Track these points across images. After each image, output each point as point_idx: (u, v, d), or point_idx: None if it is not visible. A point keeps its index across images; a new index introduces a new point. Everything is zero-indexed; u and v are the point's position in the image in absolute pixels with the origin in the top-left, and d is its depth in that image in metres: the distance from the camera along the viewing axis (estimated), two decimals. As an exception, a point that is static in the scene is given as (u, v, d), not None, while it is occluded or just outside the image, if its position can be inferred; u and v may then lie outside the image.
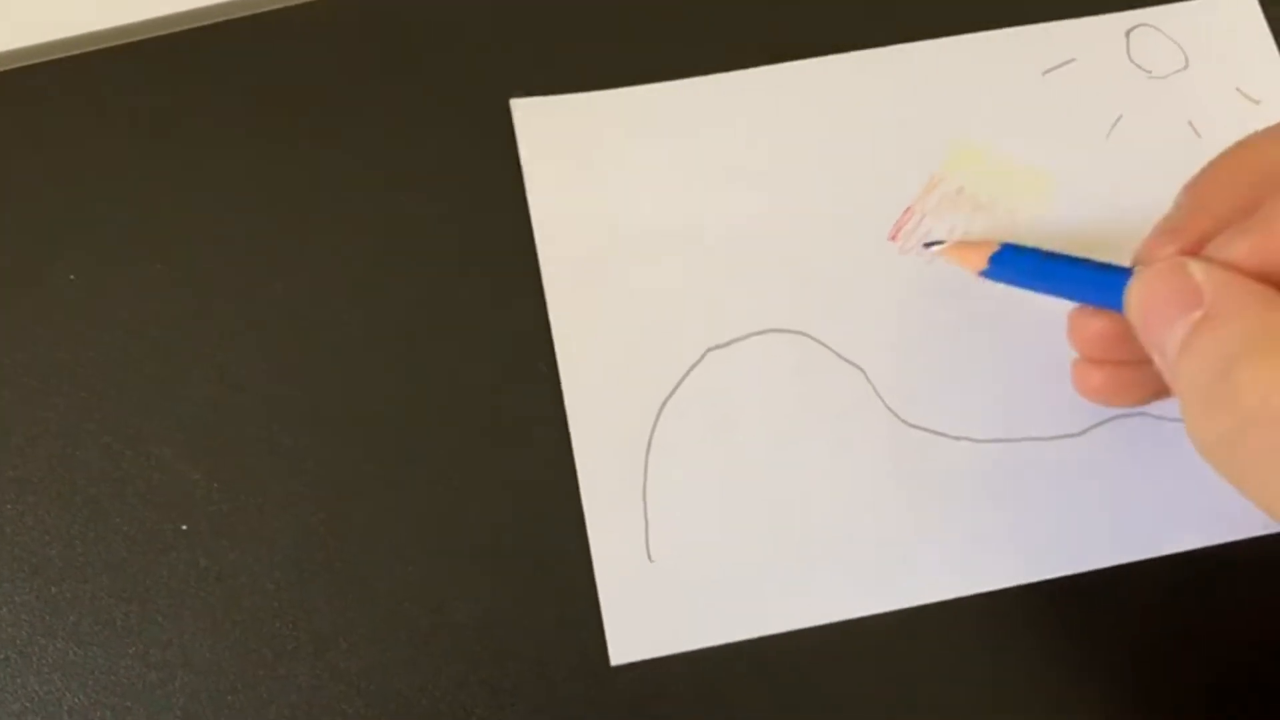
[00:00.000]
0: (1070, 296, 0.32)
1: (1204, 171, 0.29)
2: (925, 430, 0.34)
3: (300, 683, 0.31)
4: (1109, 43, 0.38)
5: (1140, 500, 0.33)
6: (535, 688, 0.32)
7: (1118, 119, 0.37)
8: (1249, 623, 0.33)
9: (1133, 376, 0.31)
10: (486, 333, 0.35)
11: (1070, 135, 0.37)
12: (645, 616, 0.32)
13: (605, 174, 0.36)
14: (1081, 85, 0.37)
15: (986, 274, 0.34)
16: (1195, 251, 0.27)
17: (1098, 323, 0.31)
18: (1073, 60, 0.38)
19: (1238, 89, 0.37)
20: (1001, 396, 0.34)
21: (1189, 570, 0.33)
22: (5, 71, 0.37)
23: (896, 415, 0.34)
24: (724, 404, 0.34)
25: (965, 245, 0.34)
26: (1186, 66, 0.38)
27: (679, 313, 0.35)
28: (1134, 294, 0.28)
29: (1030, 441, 0.34)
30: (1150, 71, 0.38)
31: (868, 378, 0.34)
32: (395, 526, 0.33)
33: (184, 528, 0.33)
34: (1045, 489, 0.34)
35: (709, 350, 0.35)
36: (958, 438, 0.34)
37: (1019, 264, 0.33)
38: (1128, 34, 0.38)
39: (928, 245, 0.35)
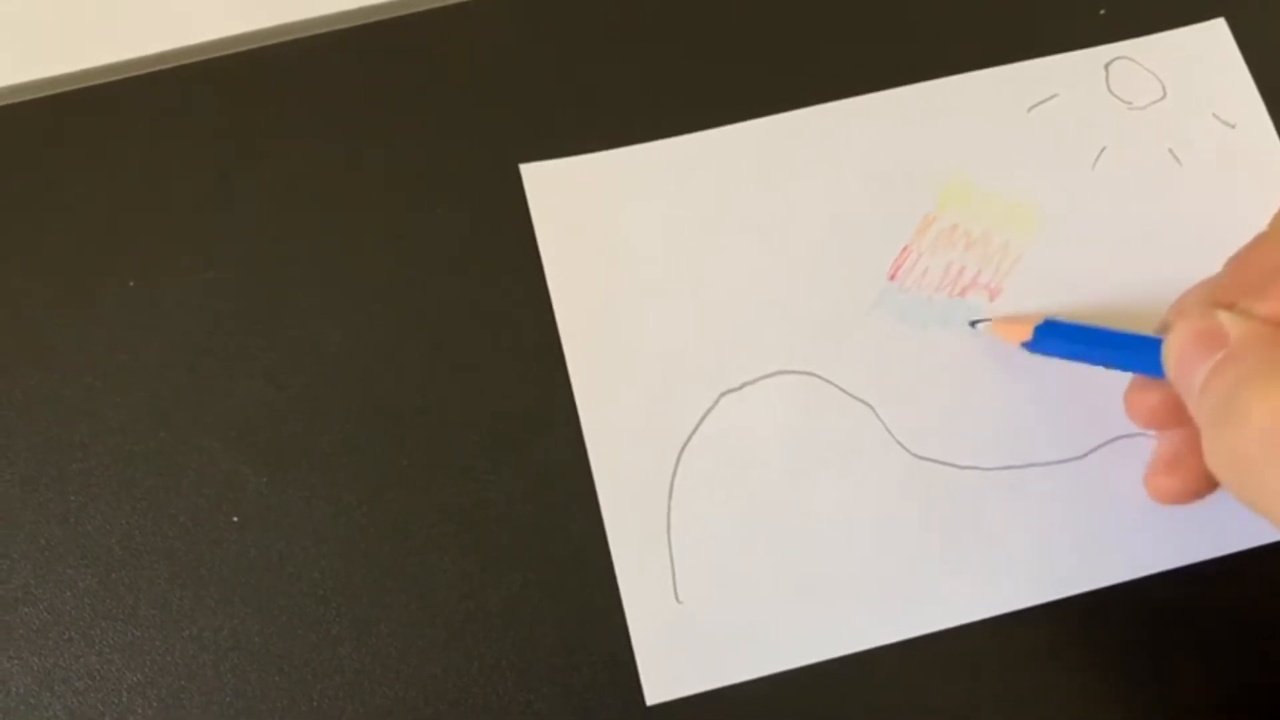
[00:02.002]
0: (1109, 365, 0.32)
1: (1249, 244, 0.30)
2: (935, 461, 0.34)
3: (343, 665, 0.33)
4: (1089, 77, 0.38)
5: (1146, 516, 0.34)
6: (561, 674, 0.33)
7: (1101, 150, 0.38)
8: (1261, 633, 0.33)
9: (1206, 475, 0.29)
10: (511, 391, 0.35)
11: (1057, 168, 0.37)
12: (677, 656, 0.33)
13: (614, 231, 0.37)
14: (1065, 119, 0.38)
15: (1029, 346, 0.34)
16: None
17: (1154, 395, 0.32)
18: (1055, 95, 0.38)
19: (1214, 115, 0.38)
20: (1005, 425, 0.35)
21: (1199, 582, 0.33)
22: (69, 91, 0.39)
23: (906, 448, 0.35)
24: (740, 446, 0.35)
25: (1009, 321, 0.35)
26: (1164, 96, 0.38)
27: (692, 360, 0.35)
28: (1170, 343, 0.29)
29: (1036, 467, 0.34)
30: (1130, 103, 0.38)
31: (876, 414, 0.35)
32: (431, 521, 0.34)
33: (235, 519, 0.34)
34: (1054, 511, 0.34)
35: (722, 394, 0.35)
36: (966, 467, 0.34)
37: (1059, 336, 0.34)
38: (1107, 67, 0.39)
39: (973, 324, 0.36)
